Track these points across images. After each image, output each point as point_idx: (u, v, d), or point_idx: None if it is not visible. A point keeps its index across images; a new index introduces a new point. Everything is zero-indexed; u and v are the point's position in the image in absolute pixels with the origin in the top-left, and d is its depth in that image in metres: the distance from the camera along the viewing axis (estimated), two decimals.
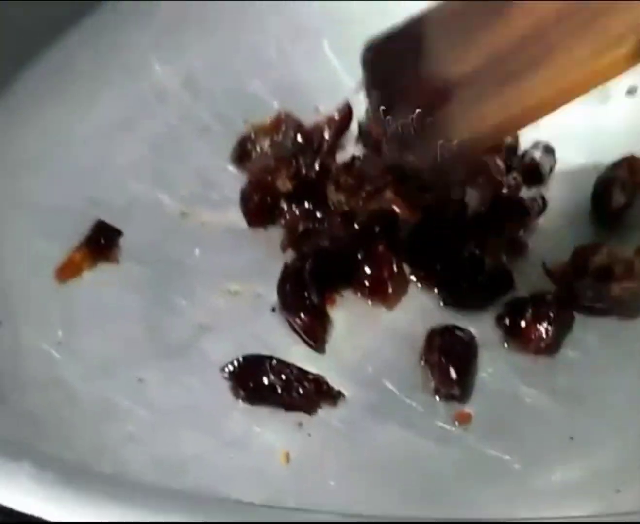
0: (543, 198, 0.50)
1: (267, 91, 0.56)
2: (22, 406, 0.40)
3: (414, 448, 0.41)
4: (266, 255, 0.48)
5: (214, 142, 0.53)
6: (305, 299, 0.45)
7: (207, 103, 0.55)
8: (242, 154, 0.53)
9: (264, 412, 0.42)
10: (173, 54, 0.57)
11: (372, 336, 0.45)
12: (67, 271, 0.46)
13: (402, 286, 0.46)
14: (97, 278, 0.47)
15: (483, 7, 0.43)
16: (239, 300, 0.47)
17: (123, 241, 0.48)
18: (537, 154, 0.52)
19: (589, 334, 0.44)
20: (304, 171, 0.49)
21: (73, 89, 0.54)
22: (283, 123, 0.52)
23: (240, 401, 0.42)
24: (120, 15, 0.57)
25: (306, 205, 0.49)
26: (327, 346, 0.45)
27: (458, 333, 0.44)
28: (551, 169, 0.52)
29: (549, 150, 0.52)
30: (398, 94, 0.44)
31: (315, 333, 0.45)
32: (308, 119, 0.54)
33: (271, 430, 0.41)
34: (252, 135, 0.53)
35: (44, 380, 0.41)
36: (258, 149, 0.52)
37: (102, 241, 0.48)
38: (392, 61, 0.46)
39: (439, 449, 0.41)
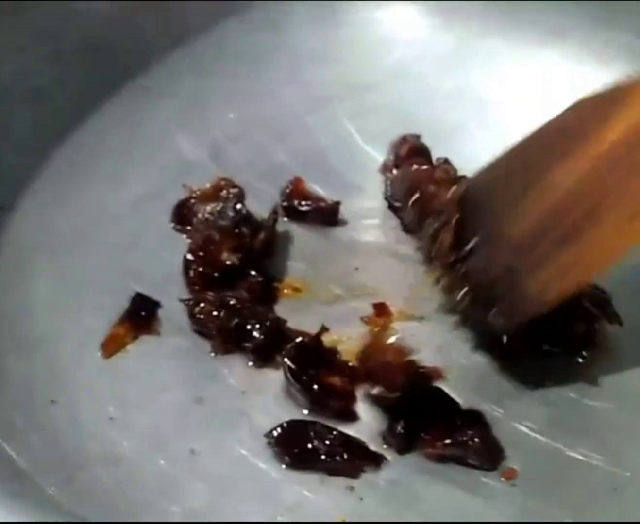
0: None
1: (288, 159, 0.58)
2: (87, 485, 0.40)
3: (463, 505, 0.42)
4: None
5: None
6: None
7: (232, 173, 0.56)
8: (181, 219, 0.53)
9: (314, 478, 0.43)
10: (196, 127, 0.59)
11: None
12: (112, 345, 0.47)
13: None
14: (140, 350, 0.48)
15: (524, 170, 0.45)
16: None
17: (162, 312, 0.49)
18: None
19: (614, 382, 0.46)
20: (247, 242, 0.50)
21: (103, 167, 0.56)
22: (223, 189, 0.53)
23: (284, 466, 0.43)
24: (145, 93, 0.59)
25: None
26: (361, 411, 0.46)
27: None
28: None
29: None
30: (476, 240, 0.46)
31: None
32: (329, 183, 0.56)
33: (323, 495, 0.42)
34: (192, 200, 0.53)
35: (103, 457, 0.42)
36: (200, 215, 0.52)
37: (142, 313, 0.49)
38: (472, 210, 0.47)
39: (488, 505, 0.42)
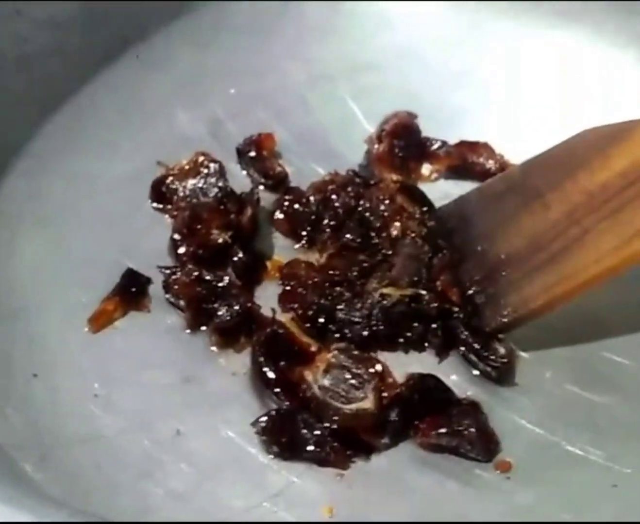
0: None
1: (288, 137, 0.56)
2: (64, 464, 0.39)
3: (455, 497, 0.41)
4: None
5: (237, 186, 0.53)
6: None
7: (231, 150, 0.55)
8: (160, 197, 0.52)
9: (302, 464, 0.42)
10: (195, 101, 0.57)
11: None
12: (100, 320, 0.46)
13: None
14: (129, 327, 0.46)
15: (523, 191, 0.47)
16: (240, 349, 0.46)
17: (153, 289, 0.48)
18: None
19: (620, 377, 0.45)
20: (235, 219, 0.49)
21: (97, 137, 0.54)
22: (202, 164, 0.51)
23: (271, 456, 0.41)
24: (143, 64, 0.57)
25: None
26: None
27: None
28: None
29: None
30: (463, 255, 0.48)
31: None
32: (329, 163, 0.54)
33: (312, 482, 0.41)
34: (169, 177, 0.52)
35: (84, 435, 0.41)
36: (180, 193, 0.51)
37: (133, 289, 0.47)
38: (455, 229, 0.49)
39: (480, 498, 0.40)
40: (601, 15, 0.57)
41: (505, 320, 0.45)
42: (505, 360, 0.45)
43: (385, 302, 0.46)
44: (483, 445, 0.42)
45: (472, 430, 0.42)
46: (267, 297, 0.48)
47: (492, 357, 0.45)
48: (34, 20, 0.54)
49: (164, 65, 0.58)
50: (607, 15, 0.57)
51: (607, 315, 0.47)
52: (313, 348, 0.45)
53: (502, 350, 0.45)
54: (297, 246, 0.51)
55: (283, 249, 0.51)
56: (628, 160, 0.44)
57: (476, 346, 0.45)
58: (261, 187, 0.53)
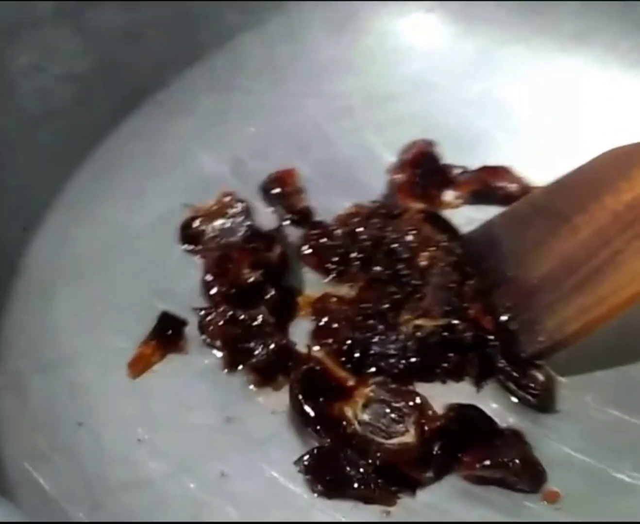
0: None
1: (311, 172, 0.56)
2: (115, 511, 0.39)
3: None
4: None
5: (262, 223, 0.53)
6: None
7: (254, 188, 0.55)
8: (189, 239, 0.52)
9: (348, 502, 0.41)
10: (216, 143, 0.57)
11: None
12: (139, 365, 0.46)
13: None
14: (168, 369, 0.46)
15: (549, 215, 0.48)
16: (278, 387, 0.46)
17: (189, 330, 0.48)
18: None
19: None
20: (264, 256, 0.49)
21: (124, 185, 0.55)
22: (228, 205, 0.52)
23: (316, 495, 0.41)
24: (164, 110, 0.58)
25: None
26: None
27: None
28: None
29: None
30: (494, 282, 0.47)
31: None
32: (350, 195, 0.54)
33: (359, 520, 0.41)
34: (197, 219, 0.52)
35: (131, 481, 0.41)
36: (209, 233, 0.52)
37: (169, 332, 0.48)
38: (483, 255, 0.49)
39: None
40: (611, 35, 0.58)
41: (542, 346, 0.45)
42: (544, 387, 0.45)
43: (419, 333, 0.46)
44: (529, 476, 0.42)
45: (517, 461, 0.42)
46: (301, 333, 0.48)
47: (531, 385, 0.45)
48: (56, 75, 0.54)
49: (183, 110, 0.58)
50: (617, 34, 0.58)
51: None
52: (350, 383, 0.45)
53: (540, 377, 0.45)
54: (326, 280, 0.51)
55: (312, 283, 0.51)
56: None
57: (514, 374, 0.45)
58: (286, 223, 0.54)
